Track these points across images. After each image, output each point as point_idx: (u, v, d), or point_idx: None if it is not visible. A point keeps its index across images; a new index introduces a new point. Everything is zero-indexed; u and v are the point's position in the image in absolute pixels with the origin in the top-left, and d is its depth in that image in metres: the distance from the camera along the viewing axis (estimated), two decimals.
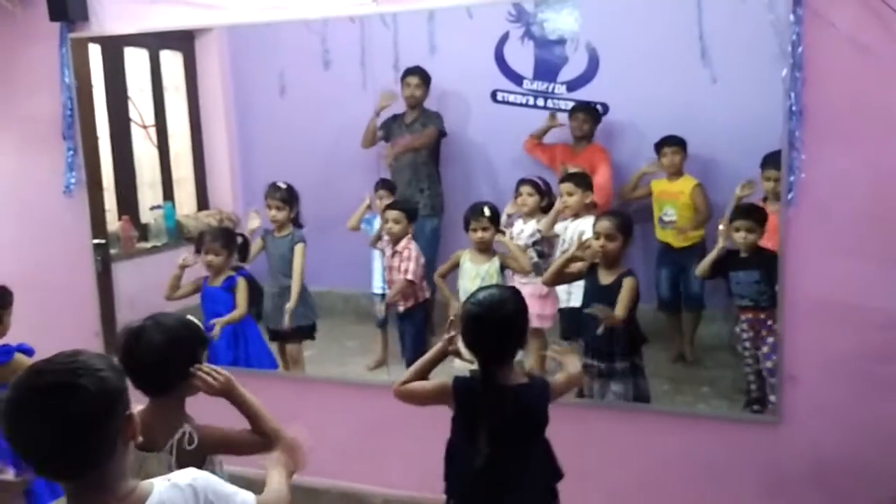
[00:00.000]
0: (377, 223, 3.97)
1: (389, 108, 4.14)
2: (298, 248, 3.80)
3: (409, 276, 3.68)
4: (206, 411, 2.00)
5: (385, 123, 4.19)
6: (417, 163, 4.17)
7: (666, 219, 3.69)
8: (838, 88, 2.58)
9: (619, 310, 3.01)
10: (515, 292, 2.31)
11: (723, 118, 3.58)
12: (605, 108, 3.95)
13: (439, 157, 4.24)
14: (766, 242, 3.06)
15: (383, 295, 4.00)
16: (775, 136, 2.67)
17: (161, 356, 1.90)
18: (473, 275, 3.44)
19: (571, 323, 3.45)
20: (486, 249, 3.47)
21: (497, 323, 2.17)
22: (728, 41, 3.55)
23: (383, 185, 4.06)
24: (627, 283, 3.04)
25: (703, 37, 3.56)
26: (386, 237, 3.80)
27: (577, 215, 3.53)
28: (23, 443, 1.35)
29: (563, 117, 3.97)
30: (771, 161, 3.14)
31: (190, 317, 2.04)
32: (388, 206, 3.79)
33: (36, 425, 1.33)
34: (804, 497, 2.80)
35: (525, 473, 2.20)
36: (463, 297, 3.25)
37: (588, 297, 3.20)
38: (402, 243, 3.72)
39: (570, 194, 3.52)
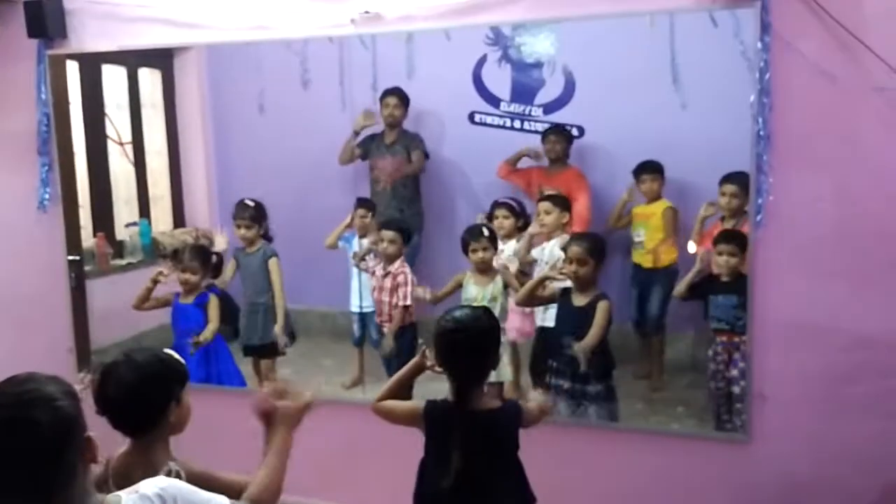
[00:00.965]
0: (356, 242, 3.99)
1: (368, 127, 4.17)
2: (273, 262, 3.82)
3: (408, 302, 3.68)
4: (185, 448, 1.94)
5: (364, 142, 4.22)
6: (398, 184, 4.19)
7: (637, 239, 3.75)
8: (805, 114, 2.65)
9: (593, 334, 3.04)
10: (488, 312, 2.33)
11: (693, 142, 3.64)
12: (581, 130, 4.01)
13: (420, 177, 4.27)
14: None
15: (361, 314, 4.01)
16: (744, 160, 2.74)
17: (133, 394, 1.80)
18: (480, 297, 3.41)
19: (546, 343, 3.46)
20: (486, 270, 3.45)
21: (470, 344, 2.18)
22: (699, 67, 3.62)
23: (362, 203, 4.08)
24: (602, 306, 3.07)
25: (675, 62, 3.63)
26: (373, 258, 3.82)
27: (550, 237, 3.57)
28: None
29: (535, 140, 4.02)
30: (727, 179, 3.27)
31: (169, 350, 1.94)
32: (384, 226, 3.80)
33: None
34: None
35: (493, 497, 2.20)
36: None
37: (562, 320, 3.23)
38: (397, 265, 3.72)
39: (547, 213, 3.55)
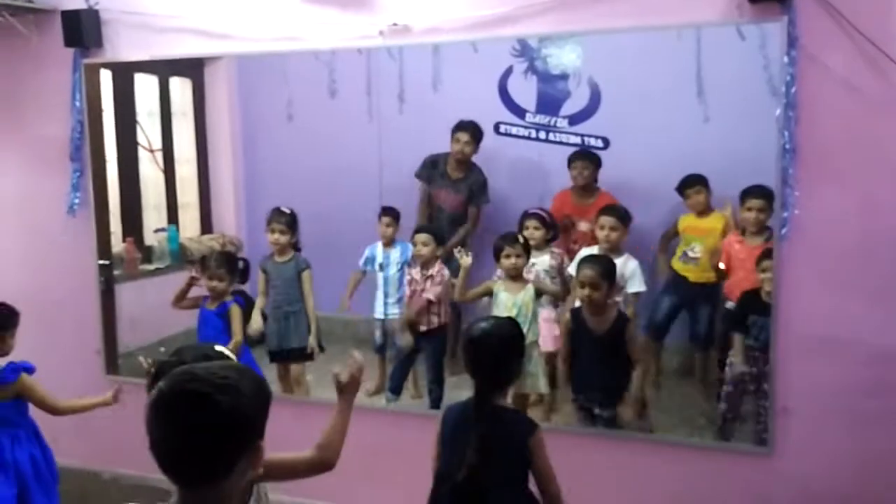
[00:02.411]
0: (379, 250, 4.03)
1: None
2: (306, 275, 3.86)
3: (430, 296, 3.72)
4: None
5: (426, 165, 4.21)
6: (456, 215, 4.17)
7: (691, 254, 3.65)
8: (830, 127, 2.66)
9: (636, 387, 3.10)
10: (513, 323, 2.41)
11: (717, 155, 3.64)
12: (606, 142, 4.02)
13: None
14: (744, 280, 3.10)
15: (384, 321, 4.05)
16: (768, 173, 2.74)
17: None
18: (510, 305, 3.36)
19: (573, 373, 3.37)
20: (518, 277, 3.42)
21: (492, 352, 2.27)
22: (725, 81, 3.63)
23: (387, 212, 4.11)
24: (632, 331, 3.11)
25: (701, 75, 3.64)
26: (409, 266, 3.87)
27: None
28: (152, 435, 1.37)
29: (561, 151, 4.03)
30: (752, 193, 3.25)
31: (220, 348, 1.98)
32: (416, 231, 3.85)
33: (165, 424, 1.36)
34: None
35: (498, 497, 2.23)
36: None
37: (583, 347, 3.20)
38: (437, 266, 3.76)
39: (613, 229, 3.46)
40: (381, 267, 4.04)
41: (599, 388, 3.16)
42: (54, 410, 3.06)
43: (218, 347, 1.98)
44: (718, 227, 3.61)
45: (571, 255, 3.70)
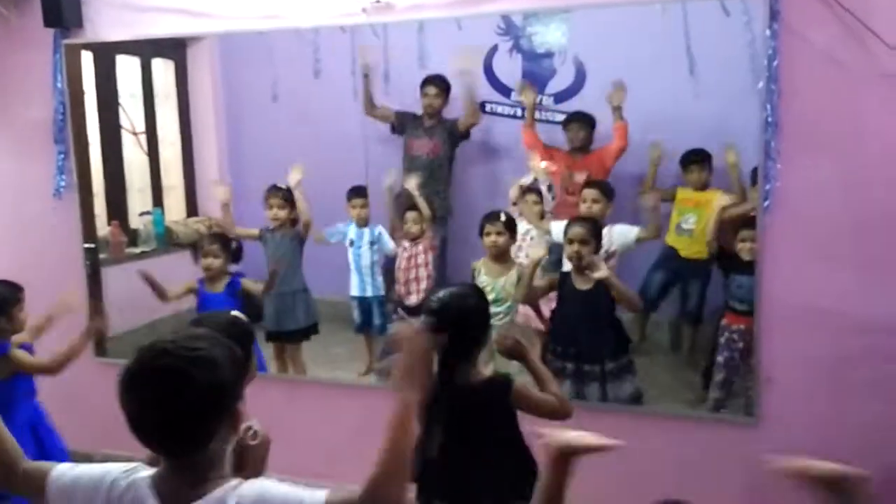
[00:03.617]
0: (352, 230, 4.05)
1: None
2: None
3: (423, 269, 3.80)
4: None
5: (402, 115, 4.21)
6: (434, 166, 4.16)
7: (685, 226, 3.65)
8: (813, 100, 2.67)
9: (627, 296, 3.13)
10: (477, 291, 2.36)
11: (703, 130, 3.66)
12: (592, 119, 4.03)
13: (453, 161, 4.27)
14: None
15: (362, 299, 4.09)
16: (753, 147, 2.76)
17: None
18: (489, 289, 3.21)
19: (554, 330, 3.46)
20: (500, 257, 3.32)
21: (452, 321, 2.18)
22: (710, 56, 3.63)
23: (359, 193, 4.11)
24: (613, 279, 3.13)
25: (688, 51, 3.64)
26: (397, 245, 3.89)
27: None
28: (129, 413, 1.36)
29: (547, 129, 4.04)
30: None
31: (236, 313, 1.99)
32: (407, 209, 3.87)
33: (143, 402, 1.35)
34: (783, 497, 2.84)
35: (479, 469, 2.22)
36: None
37: (569, 306, 3.24)
38: (426, 242, 3.83)
39: (595, 201, 3.46)
40: (352, 243, 4.06)
41: (586, 345, 3.17)
42: (49, 370, 3.05)
43: (234, 312, 2.00)
44: (714, 202, 3.55)
45: (568, 206, 3.69)
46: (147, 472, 1.44)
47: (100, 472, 1.46)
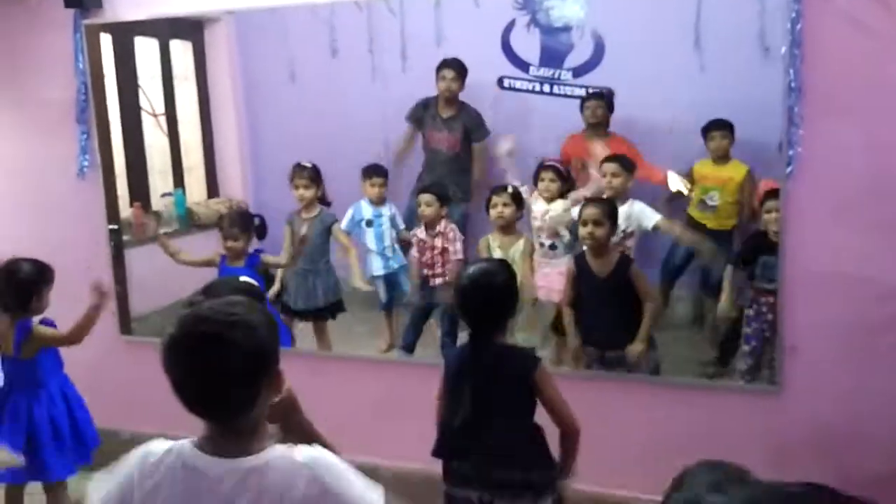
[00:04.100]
0: (365, 208, 4.04)
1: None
2: (336, 228, 3.93)
3: (460, 256, 3.73)
4: None
5: (416, 109, 4.17)
6: (454, 159, 4.14)
7: (710, 203, 3.62)
8: (836, 65, 2.64)
9: (644, 330, 3.13)
10: (505, 265, 2.43)
11: (722, 102, 3.61)
12: (611, 93, 4.00)
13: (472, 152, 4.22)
14: None
15: (388, 275, 4.08)
16: (775, 119, 2.73)
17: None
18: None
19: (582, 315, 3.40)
20: (507, 228, 3.40)
21: (482, 291, 2.29)
22: (728, 28, 3.59)
23: (377, 171, 4.08)
24: (637, 274, 3.15)
25: (703, 21, 3.60)
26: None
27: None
28: (174, 379, 1.39)
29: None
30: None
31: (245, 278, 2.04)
32: (421, 191, 3.85)
33: (186, 367, 1.38)
34: (806, 466, 2.84)
35: (503, 433, 2.27)
36: None
37: (589, 291, 3.22)
38: (443, 224, 3.76)
39: (615, 175, 3.46)
40: (370, 223, 4.04)
41: (607, 331, 3.18)
42: (69, 340, 3.12)
43: (243, 278, 2.04)
44: (737, 177, 3.56)
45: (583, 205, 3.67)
46: (186, 439, 1.46)
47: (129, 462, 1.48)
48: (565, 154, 3.95)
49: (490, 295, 2.29)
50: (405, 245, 4.06)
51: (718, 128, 3.58)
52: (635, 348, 3.13)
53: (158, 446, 1.45)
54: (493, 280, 2.31)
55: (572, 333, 3.29)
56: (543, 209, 3.62)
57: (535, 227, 3.65)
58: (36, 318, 3.13)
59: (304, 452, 1.44)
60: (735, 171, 3.60)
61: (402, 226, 4.07)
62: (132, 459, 1.46)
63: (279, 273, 4.05)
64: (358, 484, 1.44)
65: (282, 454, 1.42)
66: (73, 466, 3.19)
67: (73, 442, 3.18)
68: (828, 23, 2.61)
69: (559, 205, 3.61)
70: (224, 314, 1.39)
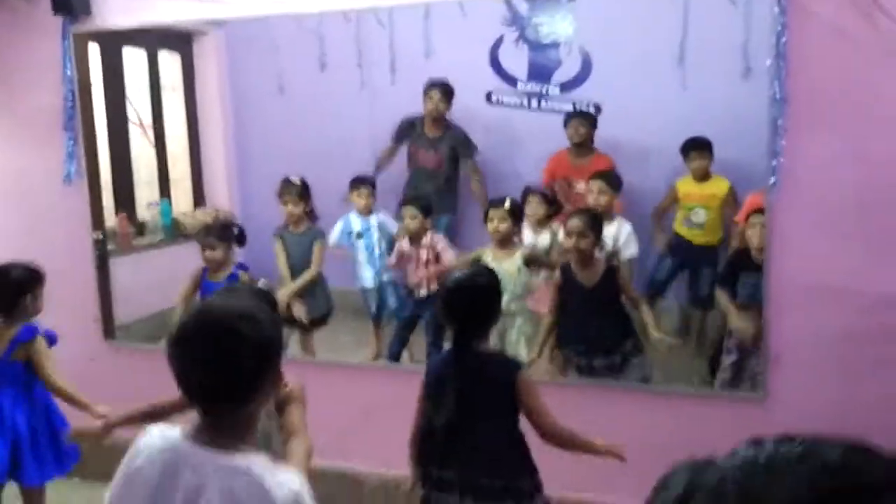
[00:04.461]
0: (354, 221, 4.04)
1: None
2: (318, 246, 3.90)
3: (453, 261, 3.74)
4: None
5: (403, 127, 4.19)
6: (440, 177, 4.17)
7: (695, 220, 3.66)
8: (821, 77, 2.67)
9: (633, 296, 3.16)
10: (489, 272, 2.45)
11: (710, 118, 3.66)
12: (598, 109, 4.04)
13: (459, 169, 4.24)
14: None
15: (379, 286, 4.08)
16: (760, 133, 2.76)
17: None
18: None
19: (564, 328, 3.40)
20: (504, 243, 3.40)
21: (464, 298, 2.30)
22: (714, 45, 3.65)
23: (363, 182, 4.09)
24: (623, 276, 3.19)
25: (686, 41, 3.65)
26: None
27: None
28: (178, 369, 1.44)
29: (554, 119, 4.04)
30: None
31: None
32: (403, 204, 3.85)
33: (192, 357, 1.43)
34: None
35: (483, 439, 2.27)
36: None
37: (575, 301, 3.23)
38: (429, 236, 3.75)
39: (601, 193, 3.48)
40: (360, 235, 4.04)
41: (597, 340, 3.18)
42: (47, 382, 3.05)
43: (262, 282, 2.09)
44: (720, 194, 3.60)
45: (567, 217, 3.69)
46: (178, 427, 1.51)
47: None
48: (549, 174, 3.97)
49: (474, 297, 2.31)
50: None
51: (696, 147, 3.62)
52: (656, 336, 3.16)
53: (154, 431, 1.51)
54: (477, 283, 2.34)
55: (548, 338, 3.30)
56: (530, 241, 3.63)
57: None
58: (42, 329, 3.08)
59: (283, 476, 1.44)
60: (717, 188, 3.64)
61: (394, 229, 4.05)
62: (133, 444, 1.52)
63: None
64: None
65: (264, 465, 1.44)
66: (50, 476, 3.13)
67: (51, 454, 3.13)
68: (813, 35, 2.65)
69: (546, 236, 3.63)
70: (234, 308, 1.47)
